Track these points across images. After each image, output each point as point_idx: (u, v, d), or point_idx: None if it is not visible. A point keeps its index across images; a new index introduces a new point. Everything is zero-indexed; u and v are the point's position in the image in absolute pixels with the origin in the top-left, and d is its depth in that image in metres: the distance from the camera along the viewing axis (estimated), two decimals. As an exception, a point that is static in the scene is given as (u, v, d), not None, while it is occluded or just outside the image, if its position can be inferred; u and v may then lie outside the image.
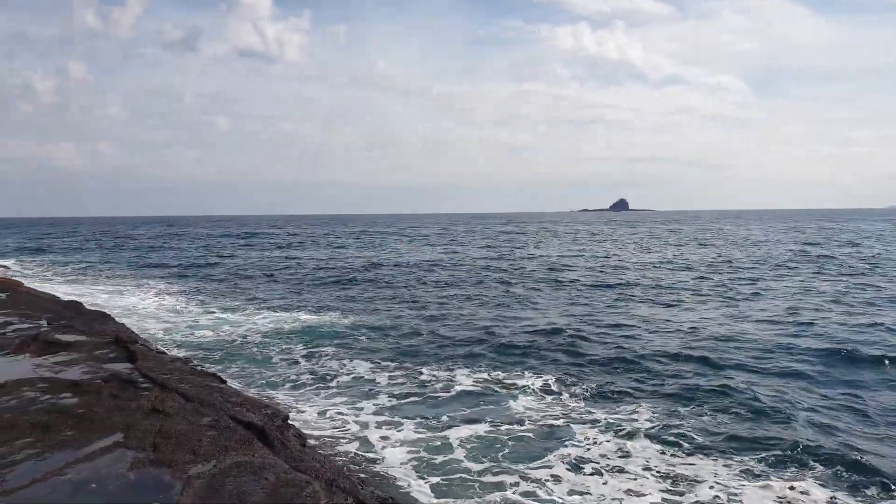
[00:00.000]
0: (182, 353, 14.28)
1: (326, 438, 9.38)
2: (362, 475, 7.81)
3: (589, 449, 8.95)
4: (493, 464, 8.43)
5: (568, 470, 8.28)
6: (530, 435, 9.52)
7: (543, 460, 8.55)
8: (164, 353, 12.41)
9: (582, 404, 10.96)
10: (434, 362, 13.95)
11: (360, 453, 8.84)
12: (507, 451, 8.89)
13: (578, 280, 28.62)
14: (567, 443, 9.16)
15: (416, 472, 8.20)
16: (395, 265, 37.11)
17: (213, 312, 21.18)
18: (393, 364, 13.80)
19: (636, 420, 10.07)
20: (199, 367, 10.76)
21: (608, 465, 8.43)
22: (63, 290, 25.73)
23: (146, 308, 22.36)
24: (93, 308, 17.26)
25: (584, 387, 11.91)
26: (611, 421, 10.06)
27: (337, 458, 8.30)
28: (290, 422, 8.36)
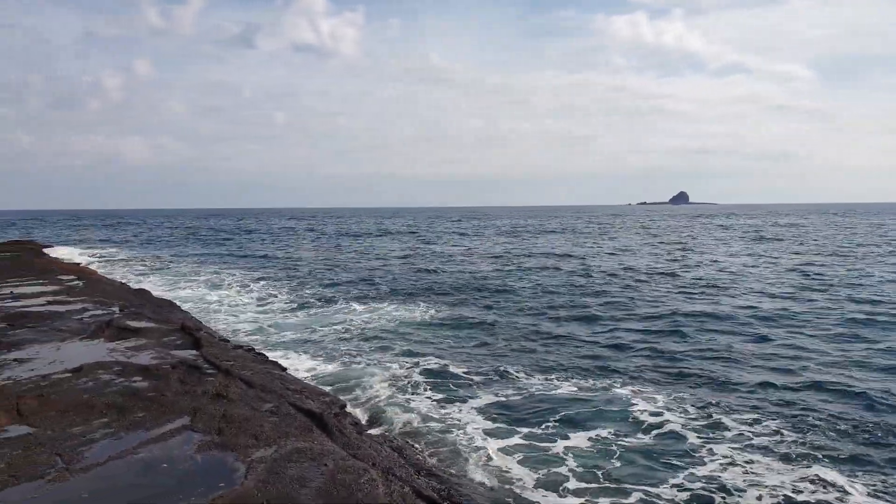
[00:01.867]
0: (247, 340, 14.71)
1: (409, 432, 9.21)
2: (450, 474, 7.69)
3: (710, 466, 8.17)
4: (606, 483, 7.73)
5: (693, 493, 7.48)
6: (641, 448, 8.77)
7: (665, 480, 7.79)
8: (227, 340, 12.84)
9: (696, 413, 10.10)
10: (530, 361, 13.46)
11: (450, 451, 8.53)
12: (618, 465, 8.23)
13: (666, 277, 27.36)
14: (685, 460, 8.36)
15: (521, 482, 7.69)
16: (469, 261, 36.90)
17: (290, 303, 21.56)
18: (484, 362, 13.42)
19: (762, 435, 9.18)
20: (260, 355, 11.09)
21: (734, 487, 7.63)
22: (135, 280, 26.81)
23: (221, 298, 23.02)
24: (160, 296, 17.98)
25: (695, 395, 11.07)
26: (733, 433, 9.26)
27: (419, 453, 8.31)
28: (346, 409, 8.56)
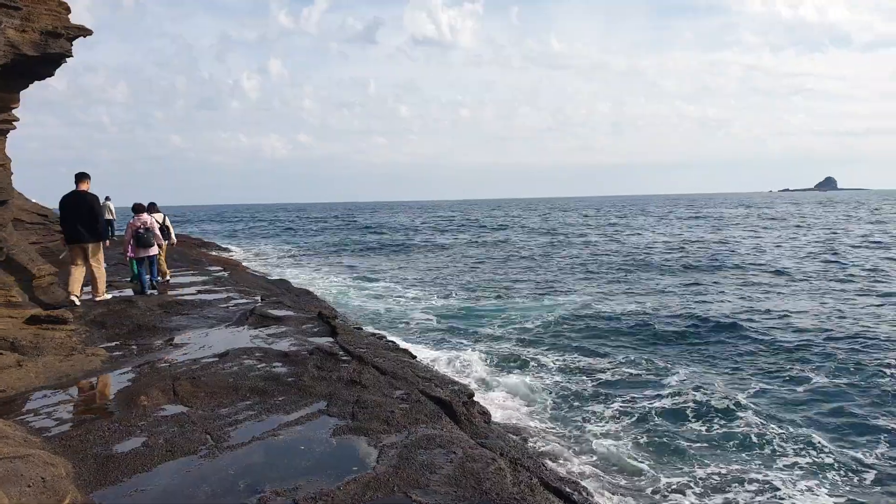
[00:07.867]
0: (379, 328, 15.19)
1: (538, 424, 9.34)
2: (577, 464, 7.75)
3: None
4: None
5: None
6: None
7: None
8: (360, 328, 13.30)
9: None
10: (688, 356, 13.20)
11: (576, 443, 8.63)
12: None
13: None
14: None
15: (648, 477, 7.64)
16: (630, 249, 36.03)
17: (426, 293, 22.10)
18: (627, 356, 13.22)
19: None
20: (391, 343, 11.39)
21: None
22: (274, 270, 28.46)
23: (355, 286, 23.99)
24: (298, 286, 18.96)
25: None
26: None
27: (547, 443, 8.30)
28: (474, 399, 8.57)
